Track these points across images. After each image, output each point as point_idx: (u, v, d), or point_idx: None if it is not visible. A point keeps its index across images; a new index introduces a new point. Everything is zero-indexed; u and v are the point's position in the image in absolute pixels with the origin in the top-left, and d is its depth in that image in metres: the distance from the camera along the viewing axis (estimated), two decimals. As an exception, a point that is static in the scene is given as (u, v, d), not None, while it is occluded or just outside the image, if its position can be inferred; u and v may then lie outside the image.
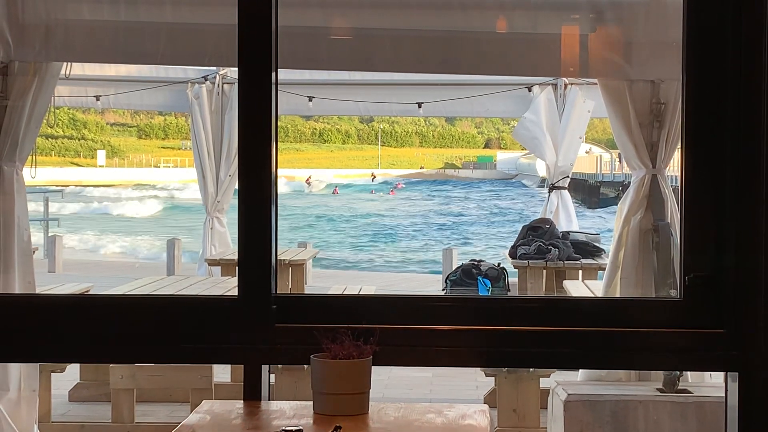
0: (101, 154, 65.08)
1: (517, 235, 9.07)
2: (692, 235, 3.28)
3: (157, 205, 45.31)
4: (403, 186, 56.49)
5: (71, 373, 6.97)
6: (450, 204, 47.15)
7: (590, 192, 44.69)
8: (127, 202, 45.94)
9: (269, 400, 3.37)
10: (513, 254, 8.75)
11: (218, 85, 9.64)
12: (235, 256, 3.53)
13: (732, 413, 3.26)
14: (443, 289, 9.77)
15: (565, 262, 8.47)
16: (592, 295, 6.55)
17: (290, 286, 9.03)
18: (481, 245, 30.30)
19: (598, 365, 4.24)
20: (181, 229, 26.53)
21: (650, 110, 4.68)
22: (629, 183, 4.96)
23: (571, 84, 9.29)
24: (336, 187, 56.13)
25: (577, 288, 7.28)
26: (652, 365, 3.84)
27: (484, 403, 5.94)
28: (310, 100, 9.67)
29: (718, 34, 3.23)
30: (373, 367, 2.99)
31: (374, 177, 61.28)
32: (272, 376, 5.54)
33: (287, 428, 2.39)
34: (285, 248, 10.63)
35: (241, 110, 3.31)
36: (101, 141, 69.10)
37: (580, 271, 8.53)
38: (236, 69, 3.32)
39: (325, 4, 4.64)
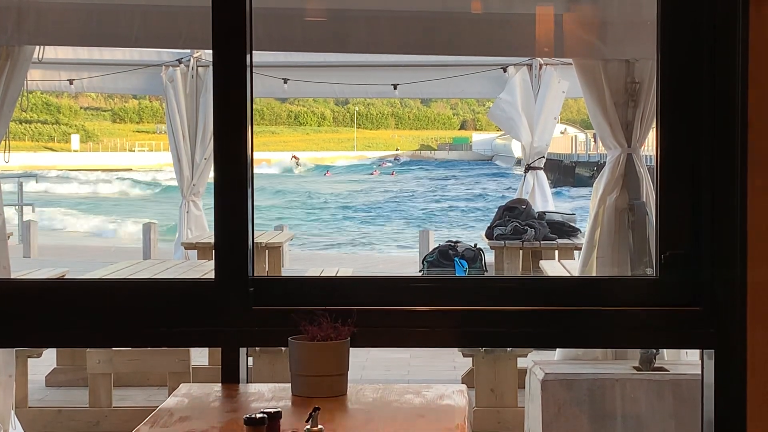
0: (75, 139, 64.61)
1: (493, 216, 9.09)
2: (668, 214, 3.29)
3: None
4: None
5: (48, 359, 6.94)
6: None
7: (565, 172, 44.80)
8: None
9: (247, 382, 3.37)
10: (489, 235, 8.77)
11: (193, 68, 9.57)
12: (212, 240, 3.52)
13: (708, 391, 3.29)
14: (420, 270, 9.77)
15: (542, 242, 8.49)
16: (569, 275, 6.58)
17: (267, 270, 9.02)
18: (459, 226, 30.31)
19: (575, 344, 4.25)
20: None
21: (625, 89, 4.68)
22: (604, 163, 4.97)
23: (546, 64, 9.29)
24: (328, 170, 55.33)
25: (553, 268, 7.31)
26: (629, 343, 3.87)
27: (462, 383, 5.96)
28: (285, 82, 9.62)
29: (693, 12, 3.23)
30: (351, 349, 3.00)
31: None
32: (250, 358, 5.53)
33: (266, 410, 2.38)
34: (261, 231, 10.62)
35: (216, 93, 3.30)
36: (75, 125, 68.62)
37: (557, 251, 8.57)
38: (211, 51, 3.31)
39: (299, -15, 4.62)
